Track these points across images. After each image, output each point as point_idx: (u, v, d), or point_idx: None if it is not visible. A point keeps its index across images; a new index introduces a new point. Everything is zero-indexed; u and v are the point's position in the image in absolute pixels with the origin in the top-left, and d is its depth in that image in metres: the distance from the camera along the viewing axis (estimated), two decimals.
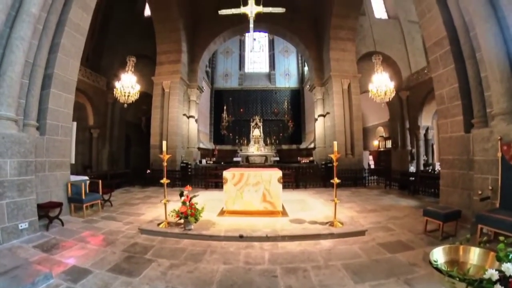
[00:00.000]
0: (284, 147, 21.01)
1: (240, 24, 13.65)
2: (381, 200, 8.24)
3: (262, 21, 13.58)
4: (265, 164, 15.40)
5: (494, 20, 4.65)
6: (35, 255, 3.76)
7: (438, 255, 1.95)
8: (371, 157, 19.18)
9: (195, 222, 4.68)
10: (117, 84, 10.76)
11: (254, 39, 22.65)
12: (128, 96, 10.74)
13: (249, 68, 23.66)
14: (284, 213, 5.81)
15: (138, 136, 18.67)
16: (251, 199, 5.71)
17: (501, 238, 1.86)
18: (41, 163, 5.56)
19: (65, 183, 6.19)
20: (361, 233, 4.56)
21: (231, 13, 7.56)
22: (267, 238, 4.25)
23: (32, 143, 4.98)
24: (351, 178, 11.62)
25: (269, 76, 23.27)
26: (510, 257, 1.68)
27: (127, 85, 10.79)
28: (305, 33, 15.55)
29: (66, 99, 6.47)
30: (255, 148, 17.70)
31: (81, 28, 7.14)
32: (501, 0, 4.52)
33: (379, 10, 17.27)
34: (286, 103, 21.55)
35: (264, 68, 23.70)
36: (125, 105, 11.14)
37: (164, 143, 5.36)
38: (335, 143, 5.40)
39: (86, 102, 14.96)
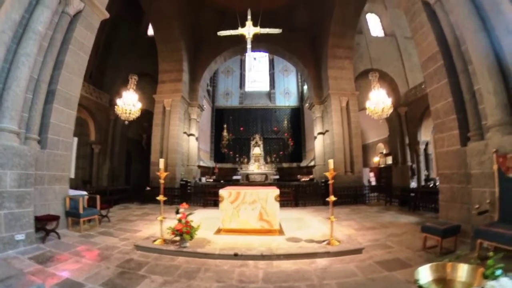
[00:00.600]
0: (285, 165, 20.92)
1: (240, 44, 13.97)
2: (381, 217, 8.14)
3: (262, 41, 13.94)
4: (265, 182, 15.31)
5: (483, 32, 4.75)
6: (29, 266, 3.79)
7: (425, 273, 1.93)
8: (372, 174, 19.09)
9: (190, 240, 4.63)
10: (119, 102, 10.97)
11: (255, 59, 23.13)
12: (130, 113, 10.92)
13: (249, 87, 23.96)
14: (281, 231, 5.75)
15: (139, 153, 18.76)
16: (248, 218, 5.66)
17: (491, 254, 1.84)
18: (41, 176, 5.63)
19: (64, 197, 6.25)
20: (358, 251, 4.47)
21: (229, 34, 7.79)
22: (262, 257, 4.18)
23: (32, 156, 5.10)
24: (351, 195, 11.55)
25: (269, 95, 23.52)
26: (496, 274, 1.66)
27: (129, 103, 11.00)
28: (303, 53, 15.89)
29: (68, 114, 6.66)
30: (256, 167, 17.68)
31: (85, 46, 7.42)
32: (489, 12, 4.64)
33: (376, 28, 17.69)
34: (286, 122, 21.70)
35: (264, 87, 24.00)
36: (126, 122, 11.34)
37: (161, 161, 5.39)
38: (331, 161, 5.42)
39: (88, 118, 15.17)
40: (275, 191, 5.82)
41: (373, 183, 17.77)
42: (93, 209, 6.60)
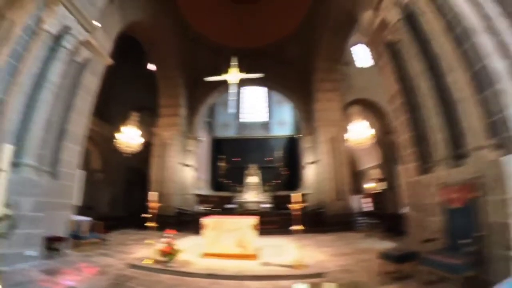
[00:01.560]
0: (281, 193, 21.13)
1: None
2: (361, 243, 8.59)
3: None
4: (258, 210, 15.58)
5: (429, 74, 5.56)
6: (40, 276, 4.72)
7: None
8: (367, 200, 19.33)
9: (174, 260, 5.33)
10: (119, 136, 11.97)
11: (248, 96, 24.33)
12: (129, 147, 11.87)
13: (246, 118, 24.94)
14: (257, 256, 6.32)
15: (138, 181, 19.39)
16: (228, 244, 6.30)
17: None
18: (52, 203, 6.47)
19: (70, 221, 7.11)
20: (320, 275, 5.00)
21: (216, 80, 8.78)
22: (233, 277, 4.82)
23: (46, 187, 6.14)
24: (339, 222, 11.93)
25: (266, 125, 24.46)
26: None
27: (129, 138, 12.02)
28: (293, 86, 16.89)
29: (76, 150, 7.70)
30: (252, 195, 18.18)
31: (91, 90, 8.57)
32: (435, 53, 5.42)
33: (364, 58, 18.38)
34: (282, 151, 22.35)
35: (261, 117, 24.94)
36: (127, 154, 12.24)
37: (154, 194, 6.23)
38: (296, 195, 6.08)
39: (92, 148, 16.10)
40: (252, 220, 6.48)
41: (369, 209, 18.04)
42: (95, 233, 7.56)
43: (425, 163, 6.05)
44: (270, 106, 25.12)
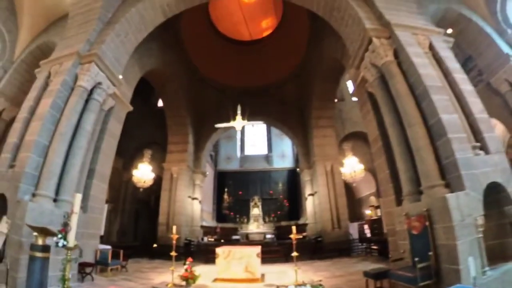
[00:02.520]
0: (283, 223, 21.83)
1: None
2: (354, 267, 9.48)
3: (258, 115, 16.21)
4: (262, 241, 16.30)
5: (397, 125, 6.82)
6: None
7: None
8: (365, 226, 19.98)
9: (193, 284, 6.38)
10: (136, 173, 13.27)
11: (252, 125, 25.58)
12: (144, 182, 13.15)
13: (248, 151, 26.24)
14: (262, 280, 7.41)
15: (147, 212, 20.30)
16: (237, 269, 7.39)
17: None
18: (82, 233, 7.45)
19: (96, 249, 8.15)
20: None
21: (224, 126, 10.21)
22: None
23: (79, 219, 6.93)
24: (337, 249, 12.80)
25: (267, 158, 25.63)
26: None
27: (143, 174, 13.35)
28: (292, 123, 18.35)
29: (102, 187, 8.92)
30: (255, 226, 19.03)
31: (115, 134, 9.91)
32: (400, 109, 6.70)
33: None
34: (283, 182, 23.41)
35: (262, 150, 26.17)
36: (141, 189, 13.50)
37: (174, 227, 7.37)
38: (293, 227, 7.17)
39: None
40: (257, 250, 7.65)
41: (367, 234, 18.72)
42: (117, 260, 8.49)
43: (398, 197, 7.17)
44: (270, 140, 26.49)
